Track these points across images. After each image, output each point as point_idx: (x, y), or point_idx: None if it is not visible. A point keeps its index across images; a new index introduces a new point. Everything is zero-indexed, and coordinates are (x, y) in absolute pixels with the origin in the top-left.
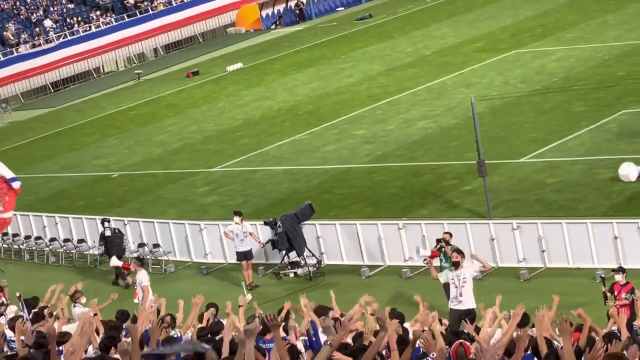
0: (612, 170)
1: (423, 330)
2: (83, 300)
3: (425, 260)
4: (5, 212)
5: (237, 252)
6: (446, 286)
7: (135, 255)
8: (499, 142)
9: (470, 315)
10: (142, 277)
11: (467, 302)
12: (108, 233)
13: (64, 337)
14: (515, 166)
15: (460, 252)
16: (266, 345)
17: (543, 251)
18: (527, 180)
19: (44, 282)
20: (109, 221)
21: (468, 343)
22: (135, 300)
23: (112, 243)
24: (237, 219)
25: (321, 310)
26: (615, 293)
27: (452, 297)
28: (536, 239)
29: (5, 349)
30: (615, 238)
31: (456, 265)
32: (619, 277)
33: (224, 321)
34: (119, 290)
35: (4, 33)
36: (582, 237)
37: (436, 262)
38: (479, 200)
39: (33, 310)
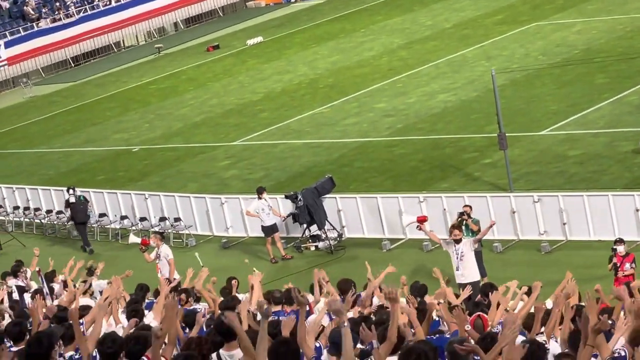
0: (634, 142)
1: (439, 303)
2: (98, 273)
3: (417, 227)
4: None
5: (265, 227)
6: (476, 256)
7: (156, 229)
8: (519, 115)
9: (492, 288)
10: (168, 250)
11: (469, 275)
12: (73, 200)
13: (84, 311)
14: (536, 139)
15: (461, 228)
16: (289, 315)
17: (564, 224)
18: (548, 153)
19: (65, 256)
20: (74, 188)
21: (486, 315)
22: (159, 275)
23: (77, 209)
24: (262, 195)
25: (344, 285)
26: (618, 264)
27: (454, 269)
28: (557, 212)
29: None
30: (637, 210)
31: (457, 242)
32: (621, 248)
33: (241, 296)
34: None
35: (25, 8)
36: (604, 209)
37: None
38: (499, 173)
39: (50, 285)
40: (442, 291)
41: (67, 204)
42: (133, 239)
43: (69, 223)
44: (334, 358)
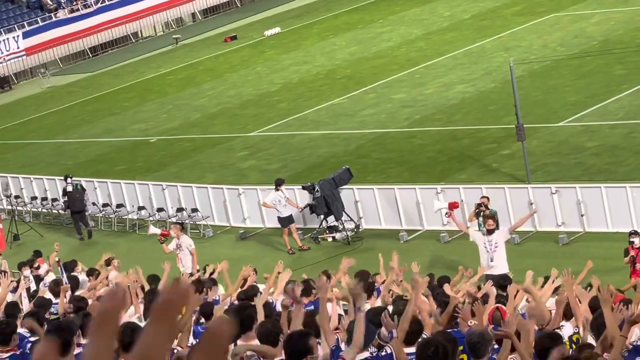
0: None
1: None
2: (116, 263)
3: (446, 214)
4: None
5: (281, 218)
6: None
7: (173, 220)
8: (537, 106)
9: (506, 280)
10: (190, 240)
11: (500, 267)
12: (70, 188)
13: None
14: (554, 130)
15: (495, 218)
16: (305, 308)
17: (582, 215)
18: (566, 144)
19: (83, 247)
20: (71, 177)
21: (505, 308)
22: (179, 265)
23: (74, 198)
24: (281, 187)
25: (361, 276)
26: (635, 256)
27: (483, 262)
28: (575, 203)
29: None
30: None
31: (490, 232)
32: (636, 241)
33: (261, 286)
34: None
35: None
36: (621, 201)
37: (474, 225)
38: (517, 165)
39: (70, 274)
40: (469, 290)
41: (64, 192)
42: (153, 230)
43: (65, 211)
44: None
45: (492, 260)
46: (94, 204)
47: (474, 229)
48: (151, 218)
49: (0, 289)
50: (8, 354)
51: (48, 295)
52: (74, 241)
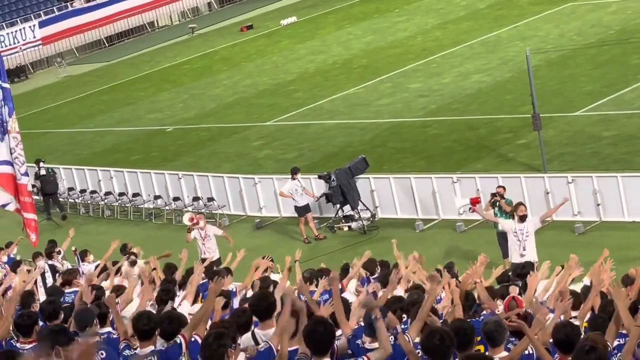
0: None
1: (475, 283)
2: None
3: (470, 210)
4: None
5: (298, 207)
6: (500, 237)
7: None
8: (554, 95)
9: (525, 269)
10: (216, 229)
11: (530, 256)
12: (42, 172)
13: (118, 290)
14: (570, 119)
15: (525, 205)
16: (321, 297)
17: (598, 205)
18: (582, 134)
19: (99, 236)
20: (43, 161)
21: (520, 297)
22: (207, 255)
23: (47, 181)
24: (297, 176)
25: (370, 265)
26: None
27: (514, 251)
28: (591, 193)
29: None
30: None
31: (523, 219)
32: None
33: (275, 276)
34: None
35: None
36: (638, 190)
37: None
38: (533, 154)
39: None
40: (478, 270)
41: (37, 176)
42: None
43: (38, 195)
44: (369, 339)
45: (524, 249)
46: (194, 199)
47: (501, 221)
48: (167, 207)
49: (17, 280)
50: (30, 345)
51: None
52: (90, 229)
